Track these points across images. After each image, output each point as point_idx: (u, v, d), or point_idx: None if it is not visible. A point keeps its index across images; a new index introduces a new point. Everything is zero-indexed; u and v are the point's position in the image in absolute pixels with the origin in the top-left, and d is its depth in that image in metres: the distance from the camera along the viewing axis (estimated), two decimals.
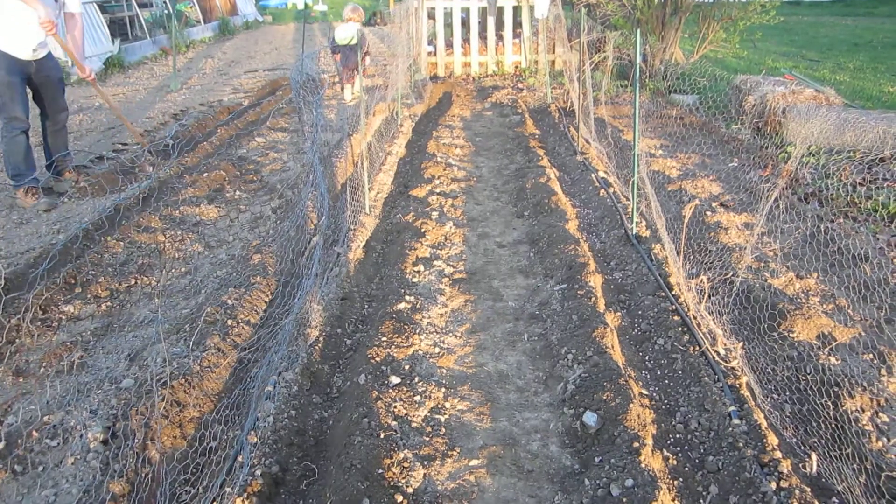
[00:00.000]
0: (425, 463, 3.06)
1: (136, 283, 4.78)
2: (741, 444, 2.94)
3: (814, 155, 6.71)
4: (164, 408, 3.22)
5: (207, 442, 3.08)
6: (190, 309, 4.39)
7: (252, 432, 3.09)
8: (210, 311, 4.16)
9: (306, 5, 27.05)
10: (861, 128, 6.56)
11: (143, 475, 2.82)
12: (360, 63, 6.29)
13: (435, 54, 12.81)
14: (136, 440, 3.02)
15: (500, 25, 12.95)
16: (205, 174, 6.85)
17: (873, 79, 10.77)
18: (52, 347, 3.95)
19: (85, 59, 6.58)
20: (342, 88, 10.49)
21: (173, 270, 4.99)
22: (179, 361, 3.64)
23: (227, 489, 2.73)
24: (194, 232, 5.64)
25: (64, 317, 4.33)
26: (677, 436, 3.17)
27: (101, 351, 3.97)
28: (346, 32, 9.69)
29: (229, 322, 4.08)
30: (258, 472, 2.85)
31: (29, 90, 6.15)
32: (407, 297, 4.46)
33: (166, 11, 16.90)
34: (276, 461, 2.96)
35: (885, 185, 5.91)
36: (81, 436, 3.15)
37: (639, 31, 5.13)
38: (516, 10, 12.63)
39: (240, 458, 2.91)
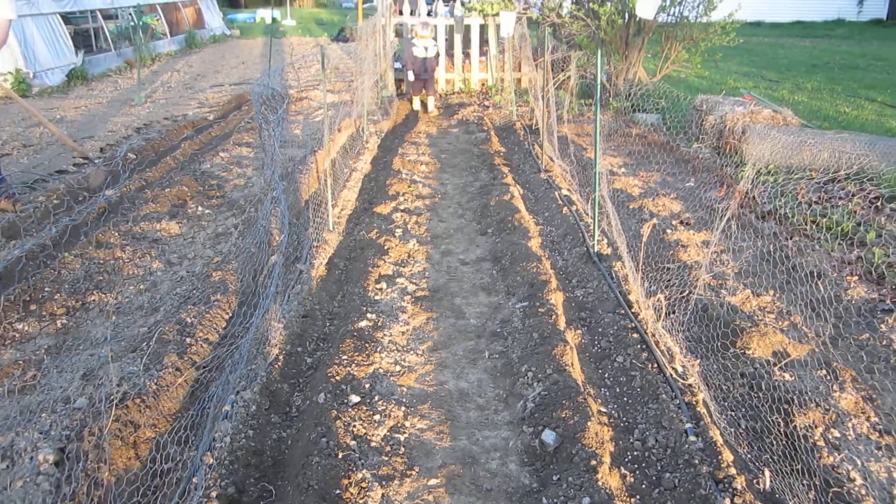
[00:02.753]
0: (384, 483, 3.04)
1: (92, 300, 4.70)
2: (697, 461, 2.98)
3: (771, 174, 6.85)
4: (118, 428, 3.16)
5: (161, 463, 3.03)
6: (148, 327, 4.32)
7: (208, 453, 3.05)
8: (168, 330, 4.10)
9: (274, 20, 26.95)
10: (817, 147, 6.73)
11: (93, 498, 2.76)
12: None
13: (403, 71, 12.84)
14: (89, 462, 2.96)
15: (466, 43, 13.03)
16: (167, 189, 6.76)
17: (830, 99, 11.06)
18: (3, 366, 3.86)
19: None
20: (411, 101, 11.58)
21: (132, 288, 4.92)
22: (136, 380, 3.58)
23: None
24: (154, 248, 5.56)
25: (17, 335, 4.23)
26: (635, 453, 3.20)
27: (54, 370, 3.88)
28: (426, 45, 10.86)
29: (188, 340, 4.03)
30: (213, 494, 2.81)
31: None
32: (369, 315, 4.44)
33: (132, 24, 16.71)
34: (232, 482, 2.92)
35: (839, 203, 6.06)
36: (31, 458, 3.07)
37: (601, 50, 5.22)
38: (483, 29, 12.73)
39: (194, 480, 2.86)
